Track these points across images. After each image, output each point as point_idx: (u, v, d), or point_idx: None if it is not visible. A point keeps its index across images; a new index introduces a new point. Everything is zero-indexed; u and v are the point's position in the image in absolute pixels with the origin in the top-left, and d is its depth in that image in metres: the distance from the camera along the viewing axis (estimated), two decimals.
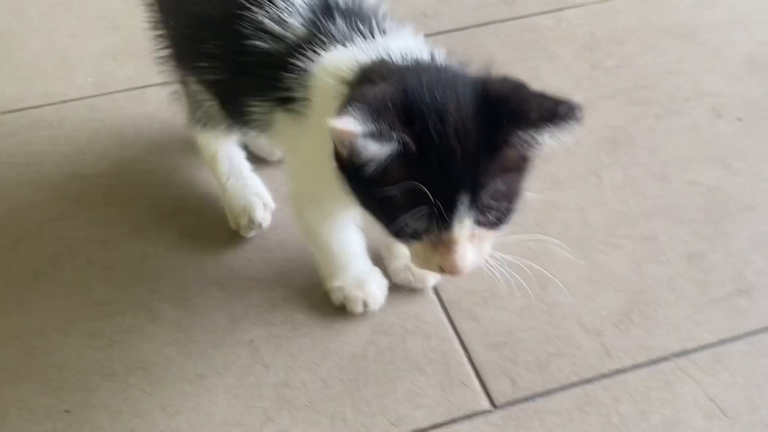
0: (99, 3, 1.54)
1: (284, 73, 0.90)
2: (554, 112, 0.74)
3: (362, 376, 1.01)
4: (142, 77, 1.38)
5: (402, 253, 1.08)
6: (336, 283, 1.06)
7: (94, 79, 1.39)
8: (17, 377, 1.01)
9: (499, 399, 0.99)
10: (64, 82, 1.39)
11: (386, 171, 0.76)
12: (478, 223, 0.79)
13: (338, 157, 0.80)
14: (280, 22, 0.91)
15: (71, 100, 1.35)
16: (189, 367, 1.02)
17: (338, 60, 0.87)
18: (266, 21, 0.91)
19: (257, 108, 0.95)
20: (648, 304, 1.09)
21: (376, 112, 0.73)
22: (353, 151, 0.74)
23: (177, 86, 1.13)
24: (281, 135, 0.97)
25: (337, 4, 0.92)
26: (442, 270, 0.82)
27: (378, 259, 1.10)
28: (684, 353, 1.03)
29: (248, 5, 0.91)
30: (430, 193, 0.75)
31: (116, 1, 1.54)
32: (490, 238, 0.83)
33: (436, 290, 1.10)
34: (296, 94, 0.90)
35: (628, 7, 1.56)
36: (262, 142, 1.22)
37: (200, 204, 1.20)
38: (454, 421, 0.97)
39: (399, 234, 0.81)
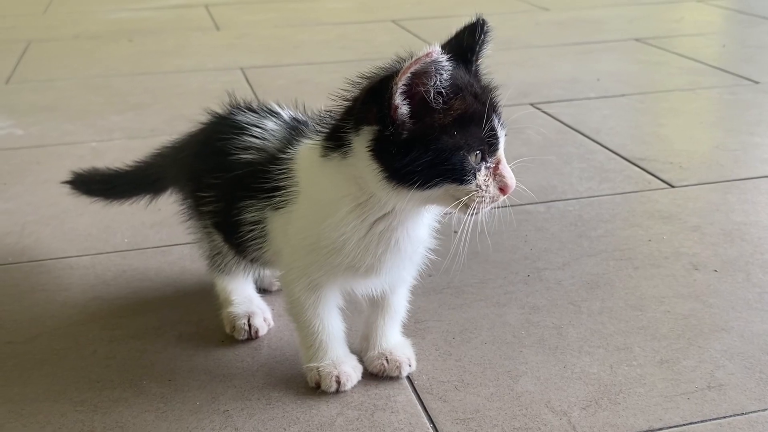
0: None
1: (270, 167, 1.08)
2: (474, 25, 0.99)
3: None
4: (171, 239, 1.56)
5: (376, 343, 1.15)
6: (313, 363, 1.12)
7: (129, 240, 1.58)
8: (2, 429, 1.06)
9: None
10: (104, 241, 1.57)
11: (448, 103, 0.93)
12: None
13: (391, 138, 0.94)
14: (263, 139, 1.14)
15: (107, 253, 1.53)
16: (163, 427, 1.06)
17: (309, 141, 1.07)
18: (252, 140, 1.14)
19: (252, 215, 1.11)
20: (617, 394, 1.10)
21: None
22: (431, 78, 0.91)
23: (199, 237, 1.29)
24: (275, 235, 1.11)
25: (299, 121, 1.17)
26: (502, 190, 0.97)
27: (354, 353, 1.16)
28: (651, 431, 1.03)
29: (235, 136, 1.15)
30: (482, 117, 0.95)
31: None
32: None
33: (408, 378, 1.14)
34: (281, 183, 1.07)
35: (611, 199, 1.72)
36: (264, 274, 1.36)
37: (201, 318, 1.30)
38: None
39: (467, 175, 0.94)
